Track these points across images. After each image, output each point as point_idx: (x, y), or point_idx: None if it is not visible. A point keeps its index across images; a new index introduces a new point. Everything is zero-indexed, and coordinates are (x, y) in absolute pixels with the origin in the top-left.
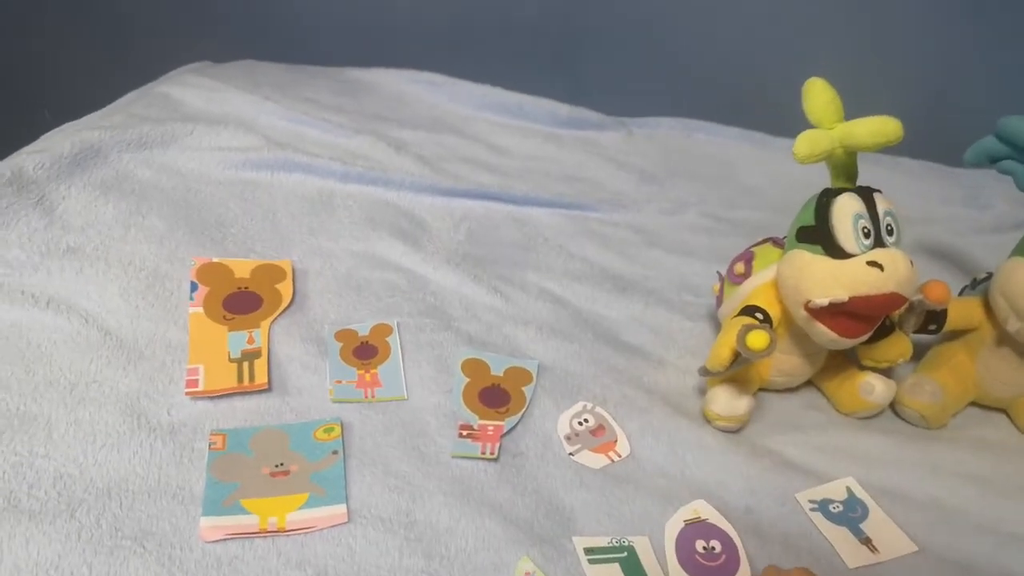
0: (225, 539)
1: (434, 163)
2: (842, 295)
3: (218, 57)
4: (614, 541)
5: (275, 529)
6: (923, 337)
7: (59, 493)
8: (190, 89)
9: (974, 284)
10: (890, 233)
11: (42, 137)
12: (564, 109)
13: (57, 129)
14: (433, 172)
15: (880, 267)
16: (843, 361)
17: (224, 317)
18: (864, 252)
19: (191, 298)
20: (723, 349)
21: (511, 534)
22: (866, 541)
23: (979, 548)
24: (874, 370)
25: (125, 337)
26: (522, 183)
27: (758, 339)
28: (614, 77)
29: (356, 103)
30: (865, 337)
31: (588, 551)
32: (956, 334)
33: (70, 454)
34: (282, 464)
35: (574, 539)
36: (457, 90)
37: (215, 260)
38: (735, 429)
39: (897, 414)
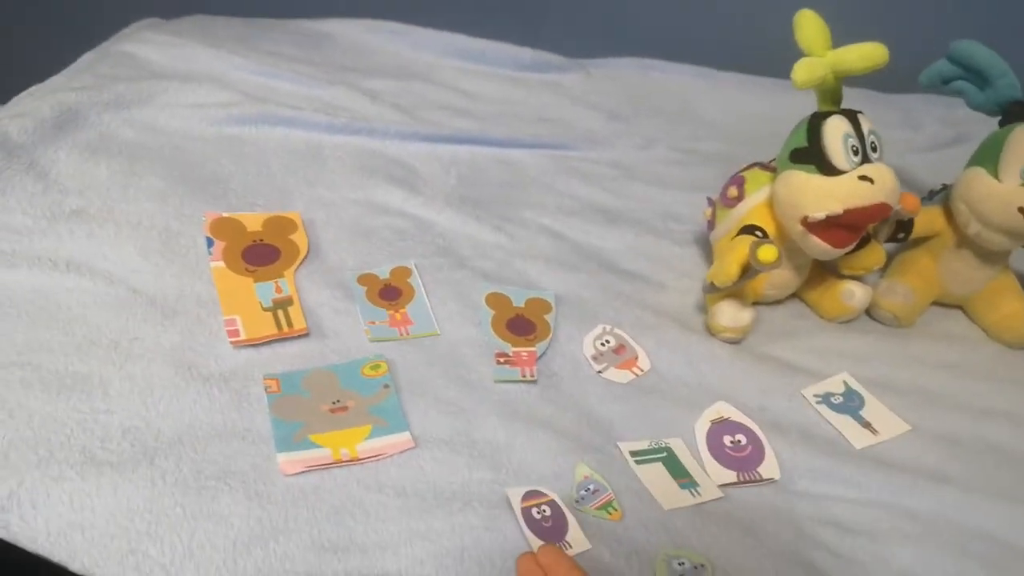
0: (304, 471)
1: (411, 111)
2: (837, 208)
3: (160, 12)
4: (653, 444)
5: (348, 459)
6: (889, 246)
7: (131, 444)
8: (152, 46)
9: (931, 195)
10: (874, 150)
11: (12, 100)
12: (527, 53)
13: (25, 92)
14: (412, 120)
15: (871, 180)
16: (824, 272)
17: (246, 269)
18: (854, 168)
19: (209, 252)
20: (731, 266)
21: (563, 445)
22: (867, 425)
23: (960, 423)
24: (852, 278)
25: (154, 294)
26: (499, 126)
27: (768, 252)
28: (568, 19)
29: (320, 55)
30: (852, 247)
31: (634, 454)
32: (919, 241)
33: (131, 408)
34: (339, 401)
35: (619, 444)
36: (418, 38)
37: (225, 215)
38: (738, 340)
39: (872, 316)
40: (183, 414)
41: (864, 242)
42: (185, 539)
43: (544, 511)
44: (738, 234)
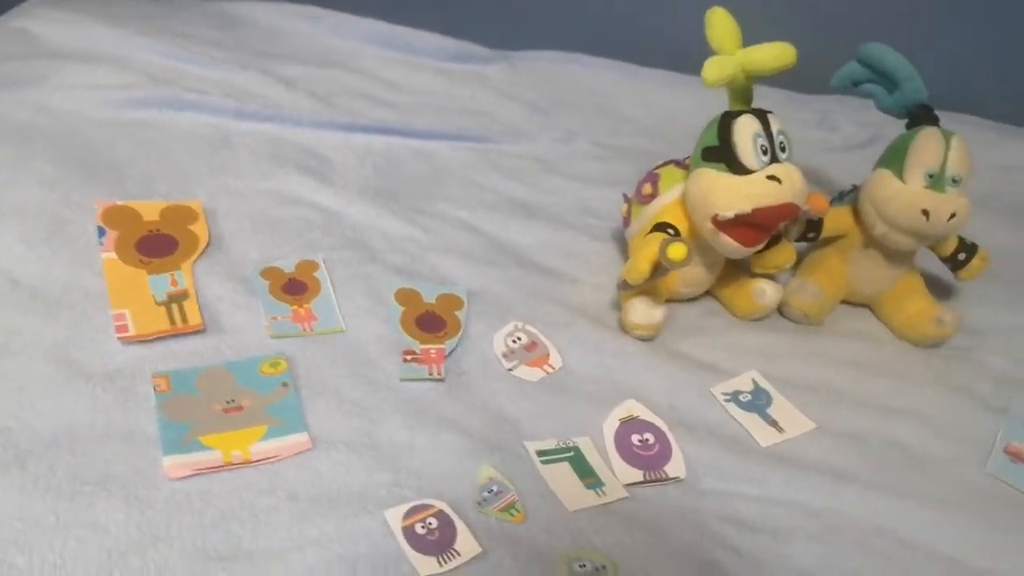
0: (192, 475)
1: (328, 99)
2: (746, 207)
3: None
4: (561, 443)
5: (240, 461)
6: (800, 245)
7: (2, 446)
8: (48, 23)
9: (841, 196)
10: (783, 150)
11: None
12: (451, 43)
13: None
14: (329, 108)
15: (779, 180)
16: (736, 271)
17: (140, 261)
18: (763, 168)
19: (100, 243)
20: (642, 263)
21: (468, 445)
22: (773, 423)
23: (864, 421)
24: (764, 276)
25: (37, 286)
26: (420, 117)
27: (677, 251)
28: (492, 9)
29: (233, 37)
30: (762, 246)
31: (540, 454)
32: (829, 240)
33: (4, 407)
34: (233, 400)
35: (525, 444)
36: (339, 24)
37: (119, 203)
38: (651, 337)
39: (783, 314)
40: (62, 415)
41: (775, 241)
42: (57, 548)
43: (430, 524)
44: (651, 231)
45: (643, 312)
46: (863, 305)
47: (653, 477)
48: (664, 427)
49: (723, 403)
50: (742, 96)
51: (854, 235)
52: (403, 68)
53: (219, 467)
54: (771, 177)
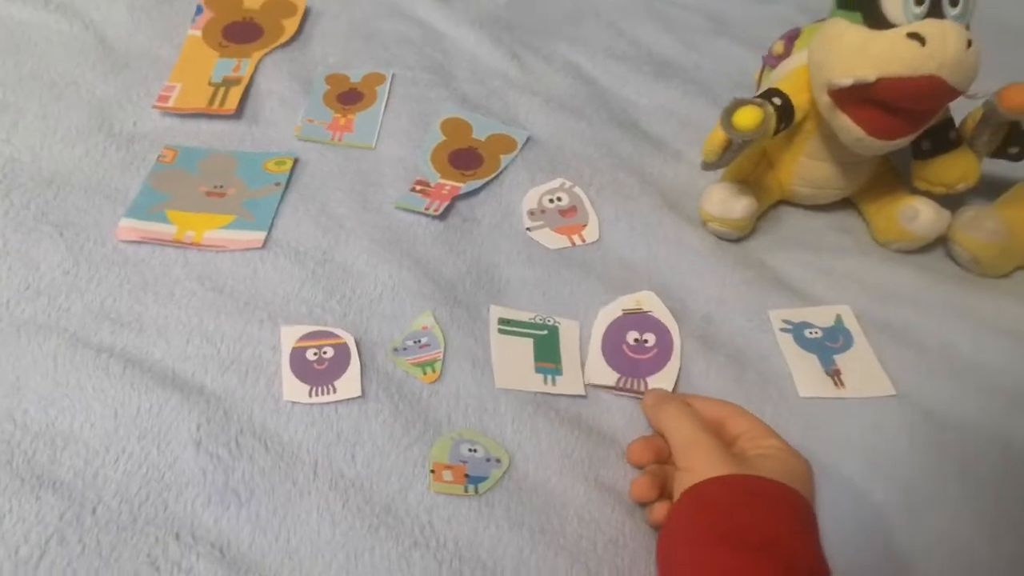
0: (138, 241)
1: None
2: (868, 74)
3: None
4: (538, 319)
5: (190, 242)
6: (1003, 166)
7: (4, 175)
8: None
9: None
10: (954, 3)
11: None
12: None
13: None
14: None
15: (922, 40)
16: (892, 180)
17: (219, 44)
18: (911, 22)
19: (194, 20)
20: (717, 133)
21: (426, 290)
22: (834, 373)
23: (975, 405)
24: (927, 195)
25: (118, 48)
26: None
27: (747, 116)
28: None
29: None
30: (902, 141)
31: (503, 322)
32: None
33: (28, 143)
34: (221, 186)
35: (491, 307)
36: None
37: None
38: (729, 235)
39: (949, 254)
40: (69, 161)
41: (951, 145)
42: None
43: (325, 353)
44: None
45: (721, 201)
46: None
47: (627, 386)
48: (675, 332)
49: (777, 331)
50: None
51: None
52: None
53: (168, 241)
54: (913, 35)
